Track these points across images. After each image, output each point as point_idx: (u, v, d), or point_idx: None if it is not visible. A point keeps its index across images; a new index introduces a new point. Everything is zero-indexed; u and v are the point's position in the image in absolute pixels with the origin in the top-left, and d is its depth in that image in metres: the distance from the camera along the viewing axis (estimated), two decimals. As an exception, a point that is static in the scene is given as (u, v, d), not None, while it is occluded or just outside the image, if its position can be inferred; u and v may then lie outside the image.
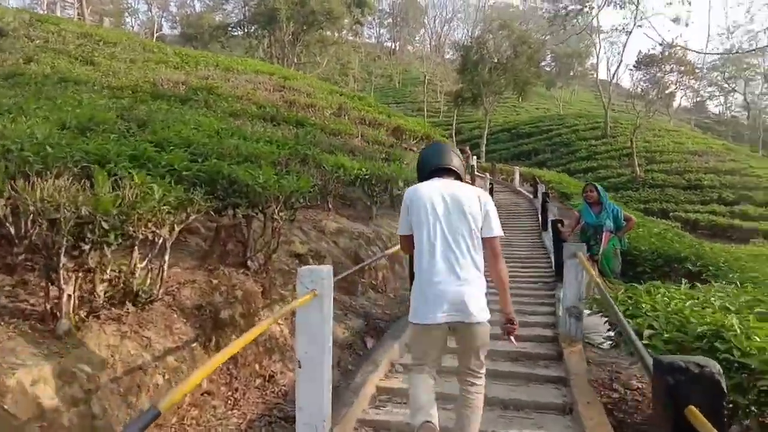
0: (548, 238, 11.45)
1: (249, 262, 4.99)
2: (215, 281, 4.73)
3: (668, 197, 30.69)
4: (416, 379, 3.00)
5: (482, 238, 3.05)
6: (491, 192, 17.77)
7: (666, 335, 2.91)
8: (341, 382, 4.35)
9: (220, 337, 4.40)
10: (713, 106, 79.44)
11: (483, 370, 3.05)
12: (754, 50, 47.90)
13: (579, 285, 4.87)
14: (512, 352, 4.88)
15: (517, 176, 25.18)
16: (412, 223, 3.09)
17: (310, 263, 6.64)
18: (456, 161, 3.30)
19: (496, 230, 3.08)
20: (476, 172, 24.79)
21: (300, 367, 2.82)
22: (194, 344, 4.13)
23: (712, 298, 3.56)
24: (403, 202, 3.17)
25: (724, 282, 6.06)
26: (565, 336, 4.99)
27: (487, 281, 3.04)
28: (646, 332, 3.05)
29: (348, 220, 8.51)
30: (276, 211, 4.83)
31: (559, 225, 7.75)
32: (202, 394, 3.95)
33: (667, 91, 42.52)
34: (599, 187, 6.44)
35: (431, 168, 3.26)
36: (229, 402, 3.99)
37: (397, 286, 7.96)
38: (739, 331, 2.81)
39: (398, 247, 6.18)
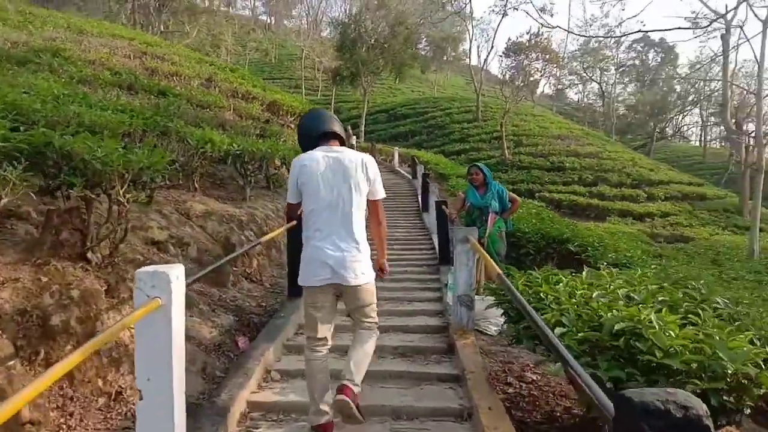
0: (429, 219, 11.28)
1: (89, 254, 4.12)
2: (45, 279, 3.82)
3: (534, 178, 32.27)
4: (312, 365, 3.13)
5: (368, 201, 3.24)
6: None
7: (580, 334, 2.57)
8: (205, 397, 3.67)
9: (50, 348, 3.54)
10: (573, 94, 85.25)
11: (374, 321, 3.27)
12: (611, 37, 51.97)
13: (470, 272, 4.53)
14: (400, 346, 4.46)
15: (396, 157, 25.12)
16: (302, 192, 3.20)
17: (171, 252, 5.81)
18: (338, 126, 3.40)
19: (380, 194, 3.27)
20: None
21: (141, 398, 2.14)
22: (13, 361, 3.25)
23: (615, 287, 3.32)
24: (292, 171, 3.27)
25: (604, 263, 6.06)
26: (457, 326, 4.65)
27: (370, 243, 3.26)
28: (557, 330, 2.70)
29: (218, 202, 7.68)
30: (120, 191, 3.99)
31: (444, 206, 7.47)
32: (23, 425, 3.11)
33: (531, 78, 44.71)
34: (484, 168, 6.18)
35: (315, 135, 3.32)
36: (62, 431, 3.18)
37: (273, 274, 7.29)
38: (658, 327, 2.52)
39: (276, 232, 5.56)
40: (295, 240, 5.45)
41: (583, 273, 3.56)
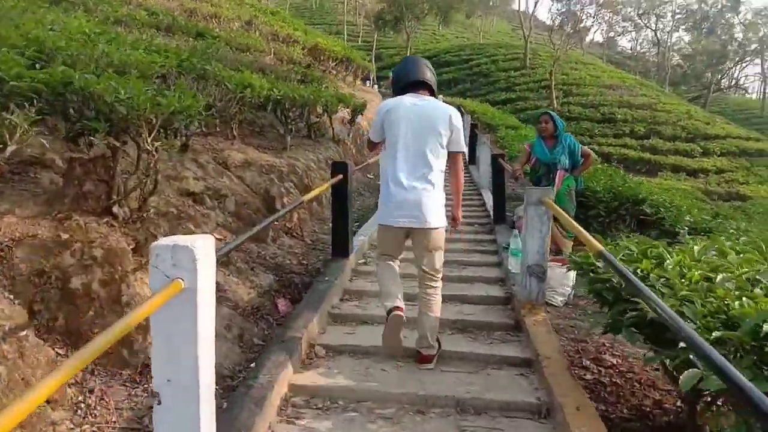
0: (478, 173, 10.63)
1: (115, 208, 3.70)
2: (65, 235, 3.43)
3: (584, 130, 30.86)
4: (382, 266, 3.49)
5: (448, 152, 3.38)
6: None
7: (715, 334, 2.01)
8: (242, 370, 3.27)
9: (69, 314, 3.17)
10: (625, 42, 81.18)
11: (439, 276, 3.48)
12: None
13: (543, 238, 3.95)
14: (459, 320, 3.96)
15: (439, 105, 24.12)
16: (386, 134, 3.40)
17: (207, 204, 5.40)
18: (429, 75, 3.48)
19: (460, 146, 3.40)
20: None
21: (159, 403, 1.70)
22: (26, 331, 2.88)
23: (738, 267, 2.70)
24: (378, 112, 3.47)
25: (685, 228, 5.41)
26: (525, 299, 4.08)
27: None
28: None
29: (257, 151, 7.23)
30: (148, 138, 3.52)
31: (501, 160, 6.82)
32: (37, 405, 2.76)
33: (581, 25, 42.48)
34: (556, 117, 5.46)
35: (406, 81, 3.45)
36: (79, 411, 2.81)
37: (315, 229, 6.86)
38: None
39: (320, 189, 5.07)
40: (340, 197, 4.97)
41: (694, 246, 2.96)
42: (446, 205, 3.48)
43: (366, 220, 7.59)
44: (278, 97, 7.24)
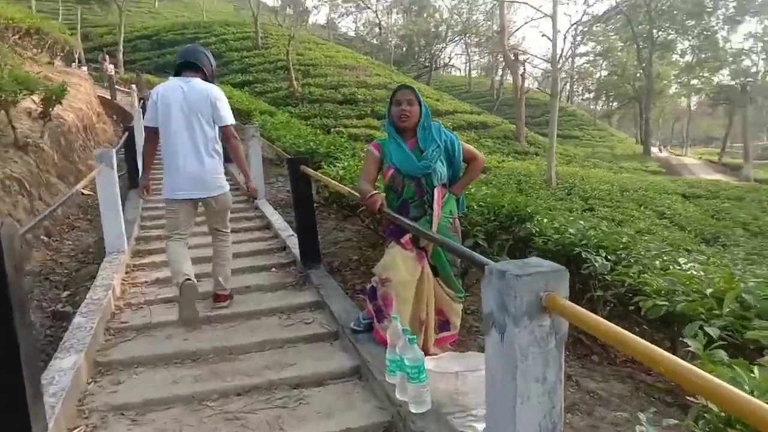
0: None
1: None
2: None
3: (327, 112, 29.83)
4: (173, 246, 3.79)
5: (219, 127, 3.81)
6: (145, 108, 13.35)
7: None
8: None
9: None
10: (350, 23, 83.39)
11: (228, 231, 4.07)
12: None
13: (551, 394, 1.44)
14: None
15: (169, 90, 20.54)
16: (159, 118, 3.72)
17: None
18: (203, 59, 3.92)
19: (227, 119, 3.80)
20: (116, 86, 19.52)
21: None
22: None
23: None
24: (151, 99, 3.79)
25: (601, 254, 3.76)
26: None
27: None
28: None
29: None
30: None
31: (304, 166, 4.37)
32: None
33: (301, 8, 41.64)
34: (419, 95, 3.16)
35: (178, 64, 3.86)
36: None
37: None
38: None
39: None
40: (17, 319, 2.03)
41: None
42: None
43: (80, 286, 4.58)
44: None
